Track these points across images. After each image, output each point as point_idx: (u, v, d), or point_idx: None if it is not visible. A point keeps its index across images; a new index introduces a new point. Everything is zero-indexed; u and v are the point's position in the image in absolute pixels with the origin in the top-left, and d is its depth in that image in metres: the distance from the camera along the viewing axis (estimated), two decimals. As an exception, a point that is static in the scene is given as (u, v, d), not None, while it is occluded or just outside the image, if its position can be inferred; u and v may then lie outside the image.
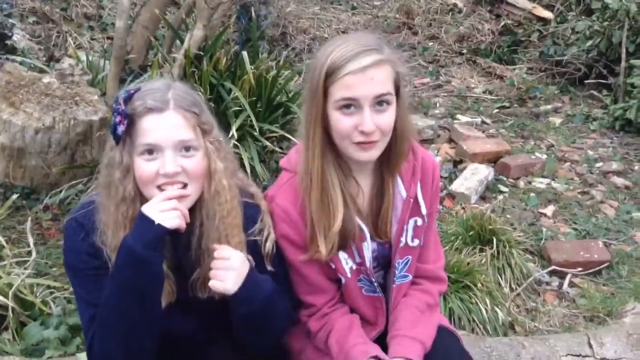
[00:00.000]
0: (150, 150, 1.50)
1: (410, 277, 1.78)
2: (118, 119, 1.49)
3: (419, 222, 1.74)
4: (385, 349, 1.68)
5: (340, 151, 1.62)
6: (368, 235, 1.70)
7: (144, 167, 1.50)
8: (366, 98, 1.53)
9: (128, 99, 1.51)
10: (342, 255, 1.69)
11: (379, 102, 1.55)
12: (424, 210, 1.74)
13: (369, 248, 1.71)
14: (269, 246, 1.65)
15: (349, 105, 1.54)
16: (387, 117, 1.57)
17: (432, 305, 1.79)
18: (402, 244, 1.73)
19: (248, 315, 1.59)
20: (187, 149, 1.52)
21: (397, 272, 1.75)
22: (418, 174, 1.72)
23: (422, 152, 1.76)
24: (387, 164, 1.68)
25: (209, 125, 1.58)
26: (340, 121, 1.55)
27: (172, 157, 1.49)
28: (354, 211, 1.66)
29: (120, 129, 1.49)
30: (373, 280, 1.73)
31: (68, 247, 1.60)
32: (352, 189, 1.68)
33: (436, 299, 1.82)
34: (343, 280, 1.72)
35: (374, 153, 1.59)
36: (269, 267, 1.66)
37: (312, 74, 1.59)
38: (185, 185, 1.52)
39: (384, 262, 1.77)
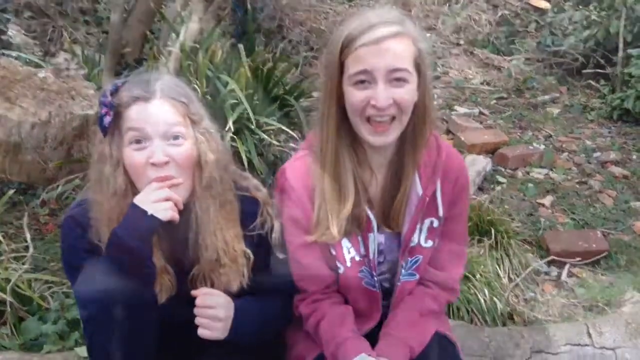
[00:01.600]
0: (139, 140, 1.47)
1: (417, 276, 1.70)
2: (104, 110, 1.47)
3: (435, 223, 1.65)
4: (375, 344, 1.62)
5: (355, 134, 1.54)
6: (375, 227, 1.63)
7: (132, 156, 1.47)
8: (379, 71, 1.44)
9: (115, 91, 1.49)
10: (345, 244, 1.63)
11: (396, 78, 1.46)
12: (441, 212, 1.64)
13: (374, 240, 1.64)
14: (275, 237, 1.64)
15: (364, 80, 1.47)
16: (405, 92, 1.47)
17: (435, 313, 1.72)
18: (413, 244, 1.65)
19: (245, 342, 1.61)
20: (176, 137, 1.49)
21: (403, 270, 1.68)
22: (439, 172, 1.61)
23: (449, 151, 1.66)
24: (406, 152, 1.58)
25: (199, 116, 1.55)
26: (353, 94, 1.48)
27: (160, 146, 1.47)
28: (364, 200, 1.59)
29: (107, 120, 1.47)
30: (374, 274, 1.67)
31: (65, 246, 1.58)
32: (365, 176, 1.61)
33: (442, 308, 1.76)
34: (341, 269, 1.65)
35: (389, 138, 1.52)
36: (281, 255, 1.65)
37: (329, 49, 1.53)
38: None
39: (392, 257, 1.70)
